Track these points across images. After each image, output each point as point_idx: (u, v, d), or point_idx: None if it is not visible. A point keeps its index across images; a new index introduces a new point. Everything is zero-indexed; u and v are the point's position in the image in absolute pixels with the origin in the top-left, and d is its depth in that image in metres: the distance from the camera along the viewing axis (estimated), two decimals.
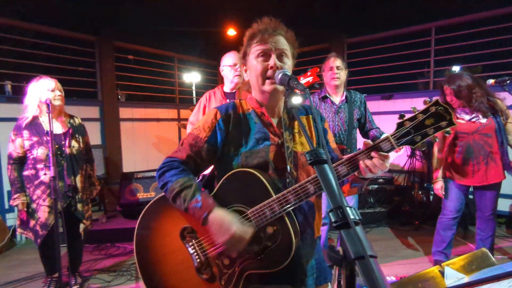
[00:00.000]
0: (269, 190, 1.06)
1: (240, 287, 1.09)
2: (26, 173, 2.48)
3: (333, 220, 0.58)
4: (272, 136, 1.18)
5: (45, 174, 2.44)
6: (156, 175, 1.21)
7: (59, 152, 2.46)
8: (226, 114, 1.20)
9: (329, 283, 1.23)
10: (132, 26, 5.23)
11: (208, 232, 1.11)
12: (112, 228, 3.84)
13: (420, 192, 4.31)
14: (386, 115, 4.85)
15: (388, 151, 1.01)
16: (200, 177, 1.41)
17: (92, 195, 2.79)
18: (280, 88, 1.14)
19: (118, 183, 4.38)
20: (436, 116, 0.99)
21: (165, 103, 6.27)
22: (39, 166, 2.45)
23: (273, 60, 1.13)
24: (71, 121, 2.64)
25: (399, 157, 4.26)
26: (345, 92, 2.77)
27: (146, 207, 1.23)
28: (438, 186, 2.74)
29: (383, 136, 1.02)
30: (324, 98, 2.77)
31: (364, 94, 2.90)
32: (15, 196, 2.46)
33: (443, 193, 2.72)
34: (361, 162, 1.01)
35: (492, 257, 1.05)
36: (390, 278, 2.36)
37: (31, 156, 2.45)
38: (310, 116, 1.29)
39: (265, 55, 1.15)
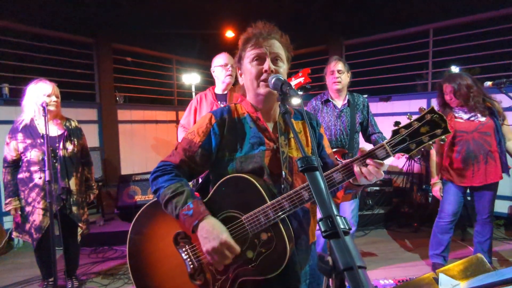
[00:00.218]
0: (263, 196, 1.06)
1: None
2: (20, 176, 2.48)
3: (322, 229, 0.57)
4: (267, 141, 1.17)
5: (40, 178, 2.43)
6: (149, 179, 1.20)
7: (53, 155, 2.45)
8: (221, 118, 1.19)
9: None
10: (131, 28, 5.22)
11: None
12: (110, 231, 3.82)
13: (418, 194, 4.30)
14: (384, 117, 4.85)
15: (383, 159, 1.01)
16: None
17: (89, 198, 2.77)
18: (275, 91, 1.14)
19: (116, 185, 4.36)
20: (431, 123, 0.99)
21: (163, 105, 6.27)
22: (33, 168, 2.44)
23: (267, 64, 1.12)
24: (67, 124, 2.63)
25: (398, 159, 4.26)
26: (347, 96, 2.72)
27: (139, 212, 1.22)
28: (437, 188, 2.73)
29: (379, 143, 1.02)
30: (326, 102, 2.74)
31: (365, 95, 2.86)
32: (7, 201, 2.46)
33: (442, 195, 2.71)
34: (356, 169, 1.01)
35: (488, 263, 1.04)
36: (388, 281, 2.35)
37: (25, 159, 2.45)
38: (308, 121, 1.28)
39: (260, 58, 1.14)
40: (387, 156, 1.00)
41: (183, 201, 1.08)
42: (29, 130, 2.45)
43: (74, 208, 2.56)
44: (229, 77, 2.61)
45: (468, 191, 2.73)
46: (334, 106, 2.71)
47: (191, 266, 1.12)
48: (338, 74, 2.63)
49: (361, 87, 5.38)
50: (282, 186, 1.13)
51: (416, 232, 3.94)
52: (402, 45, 5.07)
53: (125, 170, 5.30)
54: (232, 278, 1.08)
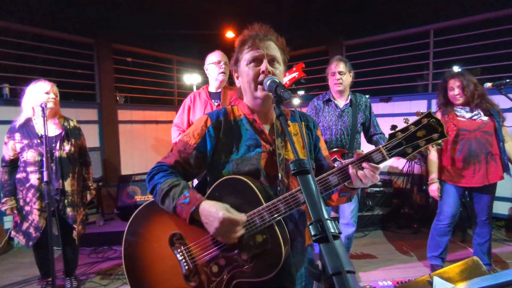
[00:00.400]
0: (259, 198, 1.06)
1: None
2: (18, 176, 2.48)
3: (312, 233, 0.57)
4: (263, 143, 1.17)
5: (38, 178, 2.43)
6: (146, 179, 1.21)
7: (49, 155, 2.45)
8: (217, 121, 1.19)
9: None
10: (131, 28, 5.23)
11: (197, 238, 1.10)
12: (110, 231, 3.83)
13: (419, 195, 4.29)
14: (385, 117, 4.84)
15: (379, 162, 1.01)
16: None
17: (86, 199, 2.74)
18: (271, 94, 1.13)
19: (116, 185, 4.37)
20: (428, 128, 1.00)
21: (164, 105, 6.27)
22: (29, 169, 2.44)
23: (264, 65, 1.12)
24: (65, 123, 2.62)
25: (398, 160, 4.26)
26: (350, 96, 2.70)
27: (135, 212, 1.23)
28: (434, 187, 2.69)
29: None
30: (328, 101, 2.72)
31: (367, 96, 2.84)
32: (3, 200, 2.48)
33: (439, 195, 2.68)
34: (351, 171, 1.01)
35: (483, 266, 1.04)
36: (387, 283, 2.34)
37: (22, 159, 2.46)
38: (303, 123, 1.28)
39: (257, 60, 1.14)
40: (383, 159, 1.00)
41: (179, 191, 1.09)
42: (27, 130, 2.45)
43: (68, 210, 2.53)
44: (222, 74, 2.58)
45: (466, 192, 2.71)
46: (336, 105, 2.69)
47: (186, 267, 1.12)
48: (339, 75, 2.61)
49: (362, 87, 5.36)
50: (278, 188, 1.13)
51: (416, 234, 3.93)
52: (402, 46, 5.06)
53: (125, 170, 5.31)
54: (227, 280, 1.08)
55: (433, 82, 4.84)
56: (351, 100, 2.68)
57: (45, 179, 2.10)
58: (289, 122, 1.25)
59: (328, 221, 0.58)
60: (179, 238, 1.15)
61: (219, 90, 2.65)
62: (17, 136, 2.44)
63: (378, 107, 5.01)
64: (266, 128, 1.21)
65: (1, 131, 3.73)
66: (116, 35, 5.26)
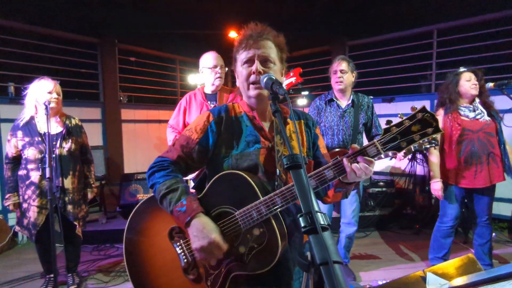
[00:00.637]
0: (257, 192, 1.07)
1: None
2: (20, 173, 2.52)
3: (302, 225, 0.58)
4: (263, 140, 1.19)
5: (40, 175, 2.45)
6: (146, 174, 1.23)
7: (51, 152, 2.47)
8: (219, 116, 1.22)
9: None
10: (135, 28, 5.27)
11: None
12: (112, 229, 3.86)
13: (421, 196, 4.27)
14: (388, 118, 4.81)
15: (373, 156, 1.02)
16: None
17: (87, 196, 2.74)
18: (266, 92, 1.15)
19: (118, 184, 4.41)
20: (423, 122, 1.00)
21: (167, 105, 6.29)
22: (30, 166, 2.47)
23: (255, 66, 1.15)
24: (67, 121, 2.64)
25: (400, 160, 4.24)
26: (352, 96, 2.69)
27: (136, 207, 1.25)
28: (438, 186, 2.60)
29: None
30: (330, 101, 2.72)
31: (370, 96, 2.83)
32: (7, 196, 2.52)
33: (442, 194, 2.63)
34: (346, 163, 1.02)
35: (478, 263, 1.04)
36: (386, 282, 2.33)
37: (24, 156, 2.49)
38: (302, 121, 1.30)
39: (249, 61, 1.17)
40: (378, 153, 1.01)
41: (176, 198, 1.11)
42: (29, 128, 2.48)
43: (69, 207, 2.55)
44: (219, 79, 2.56)
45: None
46: (338, 106, 2.69)
47: (185, 260, 1.14)
48: (340, 74, 2.60)
49: (365, 88, 5.36)
50: (276, 183, 1.15)
51: (417, 234, 3.91)
52: (405, 46, 5.04)
53: (128, 169, 5.35)
54: (224, 273, 1.09)
55: (436, 83, 4.81)
56: (353, 100, 2.68)
57: (47, 175, 2.12)
58: (288, 120, 1.26)
59: (318, 214, 0.59)
60: (179, 231, 1.17)
61: (216, 92, 2.64)
62: (19, 133, 2.47)
63: (381, 108, 5.00)
64: (266, 126, 1.24)
65: (7, 129, 3.78)
66: (120, 35, 5.30)
